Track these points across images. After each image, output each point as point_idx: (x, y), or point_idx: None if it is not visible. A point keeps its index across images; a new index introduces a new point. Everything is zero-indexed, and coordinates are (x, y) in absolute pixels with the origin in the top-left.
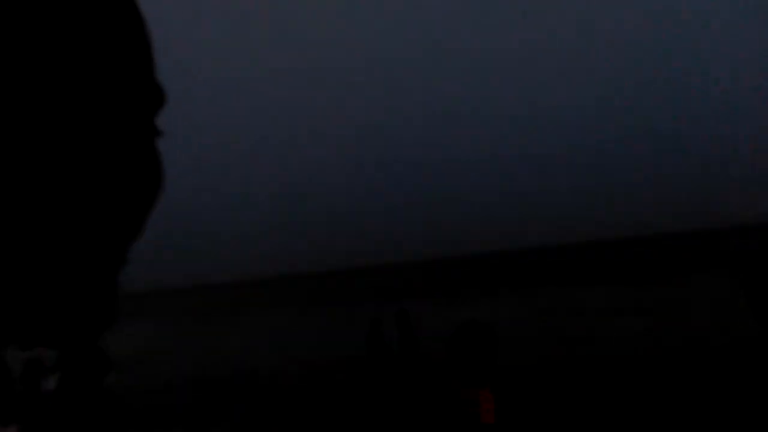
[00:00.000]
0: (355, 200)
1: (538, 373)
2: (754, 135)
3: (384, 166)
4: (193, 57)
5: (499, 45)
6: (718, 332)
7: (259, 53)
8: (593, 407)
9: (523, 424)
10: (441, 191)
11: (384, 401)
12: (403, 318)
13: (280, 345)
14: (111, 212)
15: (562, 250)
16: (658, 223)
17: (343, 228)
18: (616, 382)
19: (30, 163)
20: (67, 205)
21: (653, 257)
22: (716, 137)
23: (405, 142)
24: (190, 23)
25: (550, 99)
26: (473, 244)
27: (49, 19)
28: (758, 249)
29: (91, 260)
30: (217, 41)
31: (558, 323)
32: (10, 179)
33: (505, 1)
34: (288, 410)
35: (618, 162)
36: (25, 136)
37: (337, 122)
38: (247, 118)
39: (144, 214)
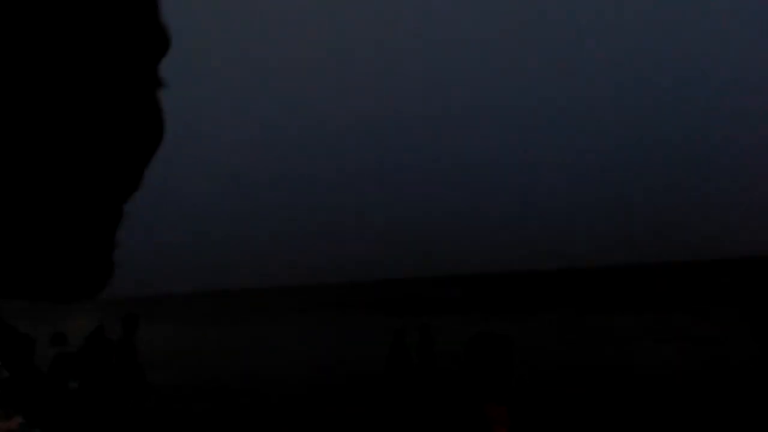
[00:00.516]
0: (381, 214)
1: (556, 392)
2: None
3: (408, 182)
4: (211, 69)
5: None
6: (726, 359)
7: (277, 70)
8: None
9: None
10: (473, 209)
11: (402, 412)
12: (426, 332)
13: (300, 353)
14: (107, 163)
15: (583, 273)
16: (678, 252)
17: (372, 241)
18: (631, 403)
19: (19, 111)
20: (59, 153)
21: (669, 284)
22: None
23: (433, 159)
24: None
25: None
26: (501, 263)
27: None
28: (761, 282)
29: (86, 212)
30: (237, 52)
31: (579, 345)
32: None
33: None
34: (307, 419)
35: (642, 187)
36: (11, 81)
37: (360, 134)
38: (267, 129)
39: (141, 165)
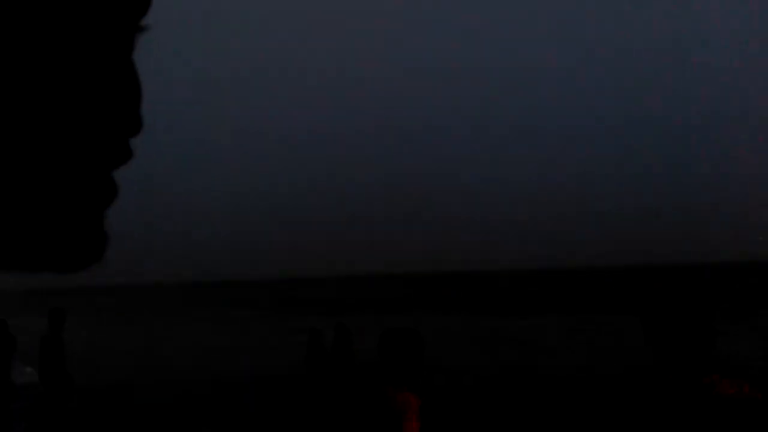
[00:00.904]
0: (299, 212)
1: (465, 389)
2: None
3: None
4: (184, 61)
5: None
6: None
7: (254, 60)
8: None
9: None
10: (383, 210)
11: (319, 410)
12: (341, 331)
13: (219, 351)
14: (90, 127)
15: (496, 276)
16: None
17: (293, 238)
18: (533, 403)
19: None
20: (43, 119)
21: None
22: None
23: (360, 164)
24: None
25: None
26: (417, 263)
27: None
28: (659, 287)
29: (76, 180)
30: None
31: (485, 345)
32: None
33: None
34: (225, 418)
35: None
36: None
37: (291, 137)
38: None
39: (127, 130)
